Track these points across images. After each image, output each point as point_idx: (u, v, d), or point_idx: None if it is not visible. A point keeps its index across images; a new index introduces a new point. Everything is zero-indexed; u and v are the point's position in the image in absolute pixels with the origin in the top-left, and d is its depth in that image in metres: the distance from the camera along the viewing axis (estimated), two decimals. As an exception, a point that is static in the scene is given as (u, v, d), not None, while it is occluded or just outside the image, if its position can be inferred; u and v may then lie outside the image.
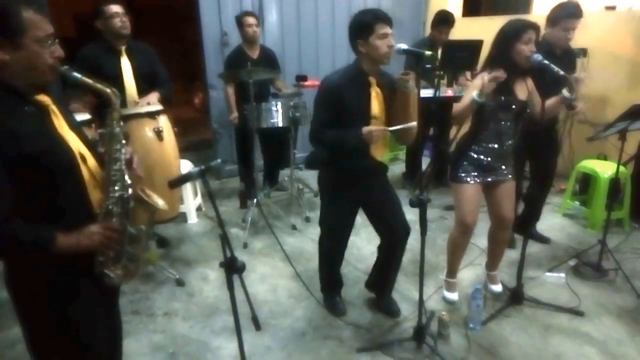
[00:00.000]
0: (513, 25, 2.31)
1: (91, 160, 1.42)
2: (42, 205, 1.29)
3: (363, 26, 2.09)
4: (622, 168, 3.46)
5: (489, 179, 2.51)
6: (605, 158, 4.06)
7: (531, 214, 3.39)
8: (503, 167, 2.51)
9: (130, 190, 1.45)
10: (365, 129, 2.11)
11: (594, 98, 4.39)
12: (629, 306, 2.72)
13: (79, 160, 1.36)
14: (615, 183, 3.28)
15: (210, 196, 1.61)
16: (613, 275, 2.99)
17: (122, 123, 1.47)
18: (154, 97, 3.06)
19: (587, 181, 4.03)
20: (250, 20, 3.94)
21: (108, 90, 1.44)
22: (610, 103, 4.37)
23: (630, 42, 4.26)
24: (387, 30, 2.10)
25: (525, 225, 3.35)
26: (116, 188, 1.41)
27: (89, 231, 1.34)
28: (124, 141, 1.47)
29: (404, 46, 2.09)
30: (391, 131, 2.18)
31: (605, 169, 3.62)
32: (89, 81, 1.41)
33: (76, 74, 1.39)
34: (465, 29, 4.70)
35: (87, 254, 1.38)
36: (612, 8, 4.54)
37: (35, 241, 1.25)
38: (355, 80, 2.20)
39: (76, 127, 1.44)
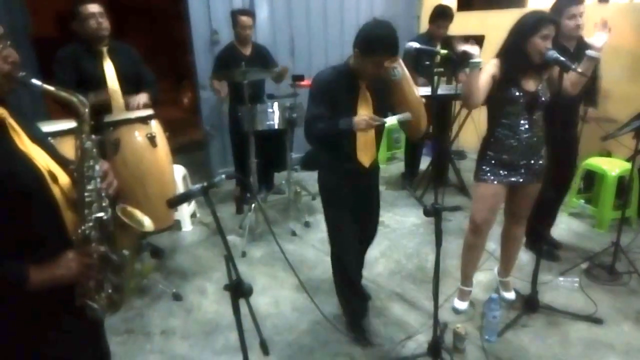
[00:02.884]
0: (533, 17, 2.18)
1: (63, 178, 1.23)
2: (11, 234, 1.12)
3: (367, 46, 1.97)
4: (628, 164, 3.38)
5: (513, 179, 2.38)
6: (609, 154, 3.98)
7: (546, 217, 3.30)
8: (529, 166, 2.36)
9: (109, 212, 1.26)
10: (358, 117, 2.03)
11: (594, 93, 4.31)
12: (647, 311, 2.63)
13: (49, 179, 1.18)
14: (624, 182, 3.18)
15: (214, 216, 1.45)
16: (627, 277, 2.89)
17: (93, 136, 1.26)
18: (144, 97, 2.89)
19: (591, 178, 3.94)
20: (246, 21, 3.78)
21: (74, 98, 1.23)
22: (611, 96, 4.27)
23: (629, 34, 4.18)
24: (385, 60, 1.99)
25: (541, 229, 3.26)
26: (92, 210, 1.22)
27: (65, 260, 1.17)
28: (96, 158, 1.28)
29: (416, 45, 1.96)
30: (386, 123, 2.08)
31: (612, 167, 3.53)
32: (51, 89, 1.21)
33: (35, 81, 1.19)
34: (460, 23, 4.57)
35: (65, 286, 1.20)
36: (605, 1, 4.45)
37: (5, 279, 1.09)
38: (344, 80, 2.12)
39: (40, 138, 1.25)
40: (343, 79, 2.11)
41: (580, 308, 2.64)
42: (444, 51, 1.89)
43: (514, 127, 2.31)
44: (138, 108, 2.84)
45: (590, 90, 2.88)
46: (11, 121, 1.16)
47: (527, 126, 2.29)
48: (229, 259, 1.49)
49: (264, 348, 1.60)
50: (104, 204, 1.25)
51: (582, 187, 3.98)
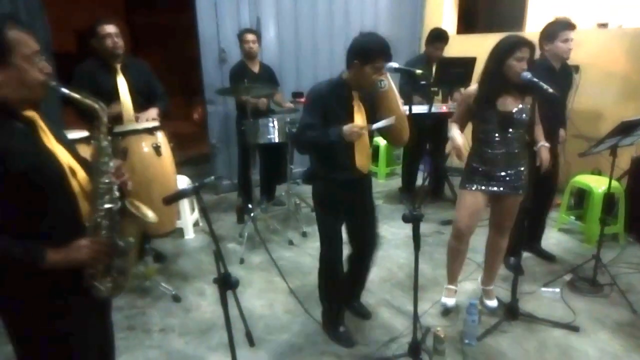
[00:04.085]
0: (508, 41, 2.36)
1: (81, 173, 1.43)
2: (33, 219, 1.30)
3: (366, 52, 2.14)
4: (616, 183, 3.50)
5: (494, 189, 2.54)
6: (599, 173, 4.10)
7: (534, 230, 3.45)
8: (507, 179, 2.52)
9: (118, 203, 1.46)
10: (347, 127, 2.16)
11: (587, 113, 4.45)
12: (625, 321, 2.72)
13: (69, 174, 1.38)
14: (609, 198, 3.31)
15: (204, 212, 1.63)
16: (609, 290, 3.00)
17: (109, 137, 1.47)
18: (153, 112, 3.10)
19: (581, 196, 4.06)
20: (249, 37, 4.06)
21: (96, 105, 1.44)
22: (603, 118, 4.43)
23: (621, 59, 4.33)
24: (383, 65, 2.17)
25: (530, 241, 3.43)
26: (104, 201, 1.42)
27: (77, 245, 1.35)
28: (111, 154, 1.48)
29: (395, 65, 2.14)
30: (374, 130, 2.25)
31: (599, 184, 3.65)
32: (77, 96, 1.41)
33: (64, 89, 1.39)
34: (460, 45, 4.77)
35: (76, 268, 1.38)
36: (605, 25, 4.62)
37: (25, 257, 1.26)
38: (339, 92, 2.26)
39: (65, 141, 1.46)
40: (338, 91, 2.26)
41: (559, 317, 2.74)
42: (419, 71, 2.07)
43: (489, 142, 2.49)
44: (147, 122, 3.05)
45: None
46: (41, 123, 1.37)
47: (500, 142, 2.46)
48: (217, 254, 1.66)
49: (250, 339, 1.74)
50: (114, 196, 1.45)
51: (573, 204, 4.10)
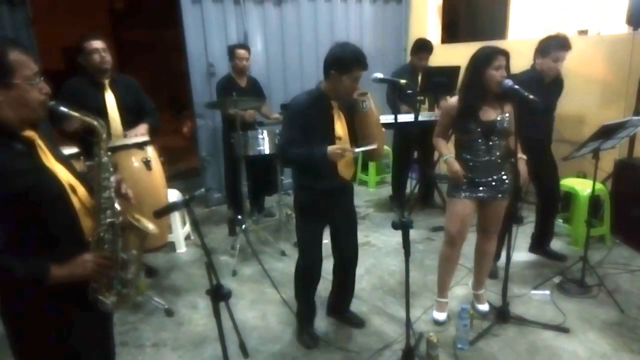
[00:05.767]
0: (483, 52, 2.44)
1: (81, 190, 1.45)
2: (35, 236, 1.32)
3: (342, 63, 2.20)
4: (601, 186, 3.57)
5: (480, 195, 2.59)
6: (584, 176, 4.17)
7: (542, 233, 3.52)
8: (492, 185, 2.57)
9: (120, 217, 1.49)
10: (331, 148, 2.21)
11: (570, 118, 4.54)
12: (613, 320, 2.77)
13: (69, 191, 1.40)
14: (594, 200, 3.37)
15: (195, 224, 1.65)
16: (596, 290, 3.05)
17: (109, 153, 1.52)
18: (142, 129, 3.11)
19: (568, 199, 4.12)
20: (242, 53, 4.12)
21: (95, 122, 1.48)
22: (586, 122, 4.51)
23: (601, 65, 4.44)
24: (360, 74, 2.23)
25: (539, 244, 3.51)
26: (107, 215, 1.45)
27: (81, 260, 1.37)
28: (112, 169, 1.51)
29: (379, 75, 2.18)
30: (357, 152, 2.31)
31: (584, 187, 3.72)
32: (77, 114, 1.46)
33: (63, 108, 1.43)
34: (444, 54, 4.86)
35: (80, 283, 1.40)
36: (585, 32, 4.74)
37: (30, 274, 1.27)
38: (318, 103, 2.31)
39: (63, 159, 1.48)
40: (317, 102, 2.31)
41: (549, 319, 2.78)
42: (403, 81, 2.11)
43: (472, 150, 2.55)
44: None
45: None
46: (40, 142, 1.40)
47: (484, 150, 2.52)
48: (209, 266, 1.68)
49: (244, 350, 1.76)
50: (116, 210, 1.48)
51: (559, 207, 4.16)
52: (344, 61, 2.19)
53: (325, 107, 2.33)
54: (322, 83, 2.34)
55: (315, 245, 2.52)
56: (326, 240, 2.58)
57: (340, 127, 2.35)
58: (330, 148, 2.21)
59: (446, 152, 2.69)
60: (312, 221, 2.49)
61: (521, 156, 2.62)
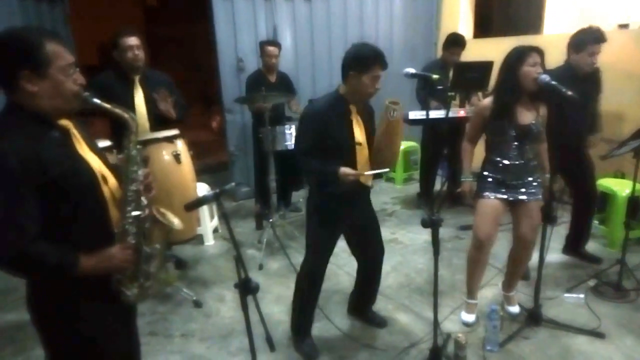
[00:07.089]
0: (516, 51, 2.39)
1: (112, 180, 1.48)
2: (65, 225, 1.35)
3: (362, 62, 2.15)
4: (639, 186, 3.42)
5: (509, 197, 2.53)
6: (622, 176, 4.01)
7: (577, 234, 3.42)
8: (523, 187, 2.51)
9: (146, 210, 1.50)
10: (343, 171, 2.16)
11: (609, 115, 4.36)
12: (652, 327, 2.66)
13: (101, 181, 1.42)
14: (634, 201, 3.23)
15: (225, 218, 1.66)
16: (634, 295, 2.93)
17: (138, 146, 1.53)
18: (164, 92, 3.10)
19: (604, 199, 3.97)
20: (271, 50, 4.12)
21: (126, 115, 1.50)
22: (625, 119, 4.33)
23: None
24: (380, 73, 2.17)
25: (573, 245, 3.43)
26: (132, 208, 1.46)
27: (109, 253, 1.40)
28: (140, 163, 1.53)
29: (412, 70, 2.14)
30: (368, 175, 2.28)
31: (623, 187, 3.58)
32: (108, 106, 1.48)
33: (96, 100, 1.45)
34: (476, 49, 4.75)
35: (105, 275, 1.43)
36: (625, 26, 4.54)
37: (60, 263, 1.30)
38: (336, 108, 2.26)
39: (97, 150, 1.51)
40: (334, 106, 2.25)
41: (584, 323, 2.69)
42: (435, 76, 2.07)
43: (504, 152, 2.48)
44: (166, 108, 3.08)
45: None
46: (75, 131, 1.43)
47: (516, 153, 2.46)
48: (238, 259, 1.69)
49: (270, 344, 1.77)
50: (142, 204, 1.49)
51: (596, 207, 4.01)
52: (364, 60, 2.14)
53: (344, 112, 2.27)
54: (340, 86, 2.29)
55: (326, 250, 2.46)
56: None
57: (359, 133, 2.30)
58: (342, 171, 2.16)
59: (467, 168, 2.64)
60: (327, 224, 2.41)
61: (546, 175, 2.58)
